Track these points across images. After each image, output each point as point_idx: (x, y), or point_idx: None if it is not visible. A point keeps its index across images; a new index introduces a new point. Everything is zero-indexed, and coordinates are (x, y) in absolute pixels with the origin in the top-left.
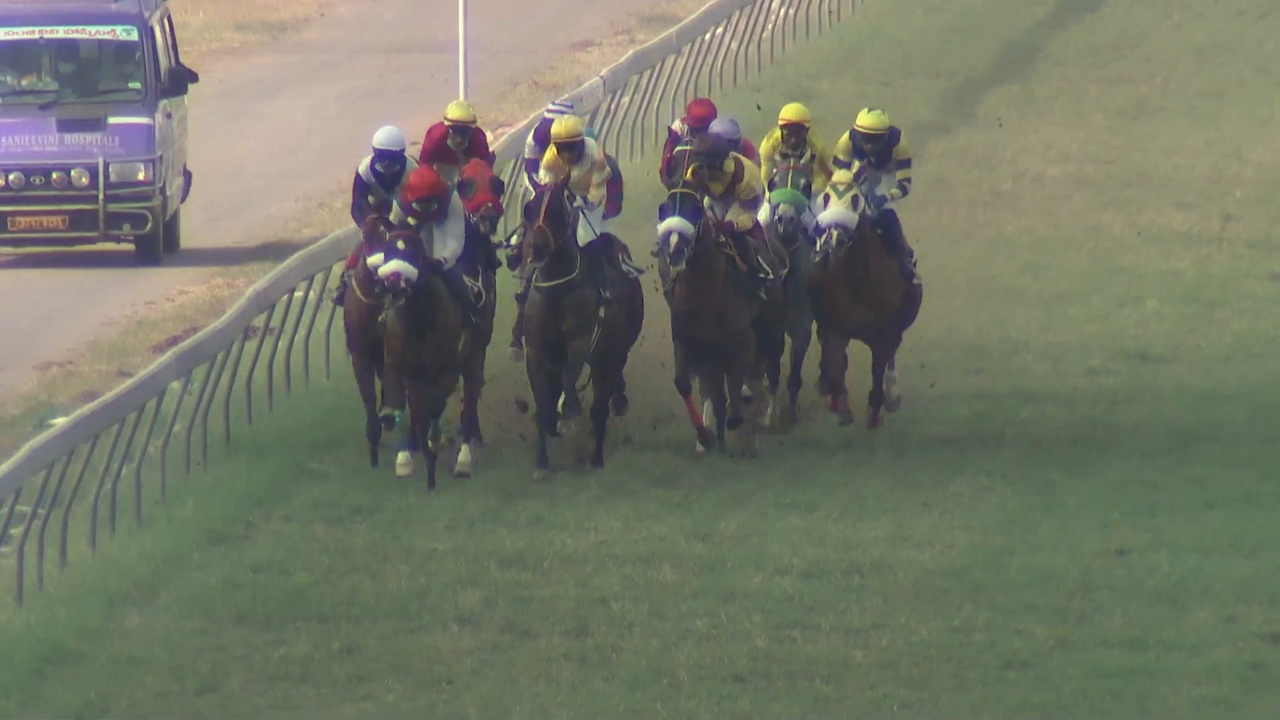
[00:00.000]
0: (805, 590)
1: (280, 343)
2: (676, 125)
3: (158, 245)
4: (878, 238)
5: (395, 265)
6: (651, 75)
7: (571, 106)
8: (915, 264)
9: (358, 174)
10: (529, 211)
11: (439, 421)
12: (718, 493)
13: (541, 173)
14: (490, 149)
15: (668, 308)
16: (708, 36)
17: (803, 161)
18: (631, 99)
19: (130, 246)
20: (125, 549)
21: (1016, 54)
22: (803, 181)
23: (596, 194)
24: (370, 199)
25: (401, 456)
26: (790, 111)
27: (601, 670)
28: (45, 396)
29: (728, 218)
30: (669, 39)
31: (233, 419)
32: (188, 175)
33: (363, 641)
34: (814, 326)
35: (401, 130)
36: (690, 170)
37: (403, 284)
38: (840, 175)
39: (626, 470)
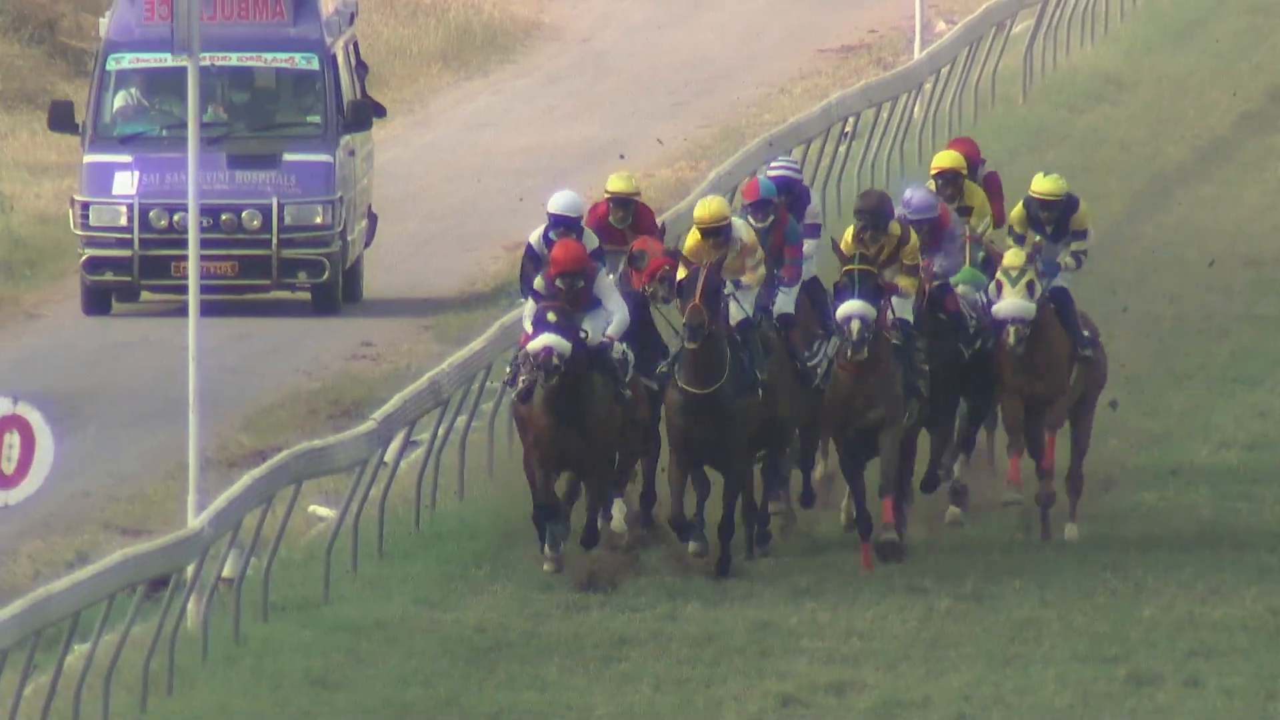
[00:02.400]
0: (1250, 462)
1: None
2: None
3: (336, 296)
4: (1051, 310)
5: (546, 339)
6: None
7: (797, 167)
8: (1094, 341)
9: (529, 243)
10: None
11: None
12: (1165, 370)
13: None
14: (659, 222)
15: None
16: None
17: (981, 230)
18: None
19: (306, 295)
20: None
21: None
22: (981, 255)
23: (752, 277)
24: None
25: (549, 552)
26: (943, 159)
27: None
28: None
29: (892, 279)
30: None
31: None
32: (373, 218)
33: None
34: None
35: (580, 196)
36: (854, 230)
37: (555, 359)
38: (1011, 258)
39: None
